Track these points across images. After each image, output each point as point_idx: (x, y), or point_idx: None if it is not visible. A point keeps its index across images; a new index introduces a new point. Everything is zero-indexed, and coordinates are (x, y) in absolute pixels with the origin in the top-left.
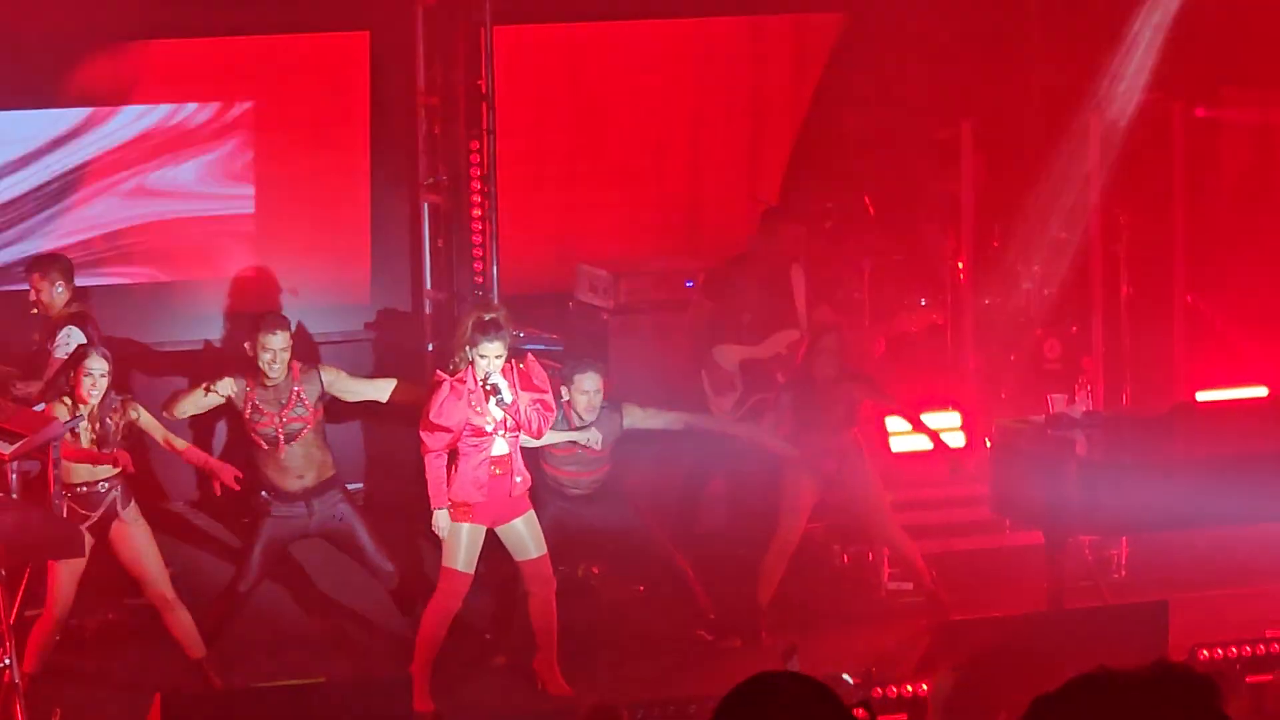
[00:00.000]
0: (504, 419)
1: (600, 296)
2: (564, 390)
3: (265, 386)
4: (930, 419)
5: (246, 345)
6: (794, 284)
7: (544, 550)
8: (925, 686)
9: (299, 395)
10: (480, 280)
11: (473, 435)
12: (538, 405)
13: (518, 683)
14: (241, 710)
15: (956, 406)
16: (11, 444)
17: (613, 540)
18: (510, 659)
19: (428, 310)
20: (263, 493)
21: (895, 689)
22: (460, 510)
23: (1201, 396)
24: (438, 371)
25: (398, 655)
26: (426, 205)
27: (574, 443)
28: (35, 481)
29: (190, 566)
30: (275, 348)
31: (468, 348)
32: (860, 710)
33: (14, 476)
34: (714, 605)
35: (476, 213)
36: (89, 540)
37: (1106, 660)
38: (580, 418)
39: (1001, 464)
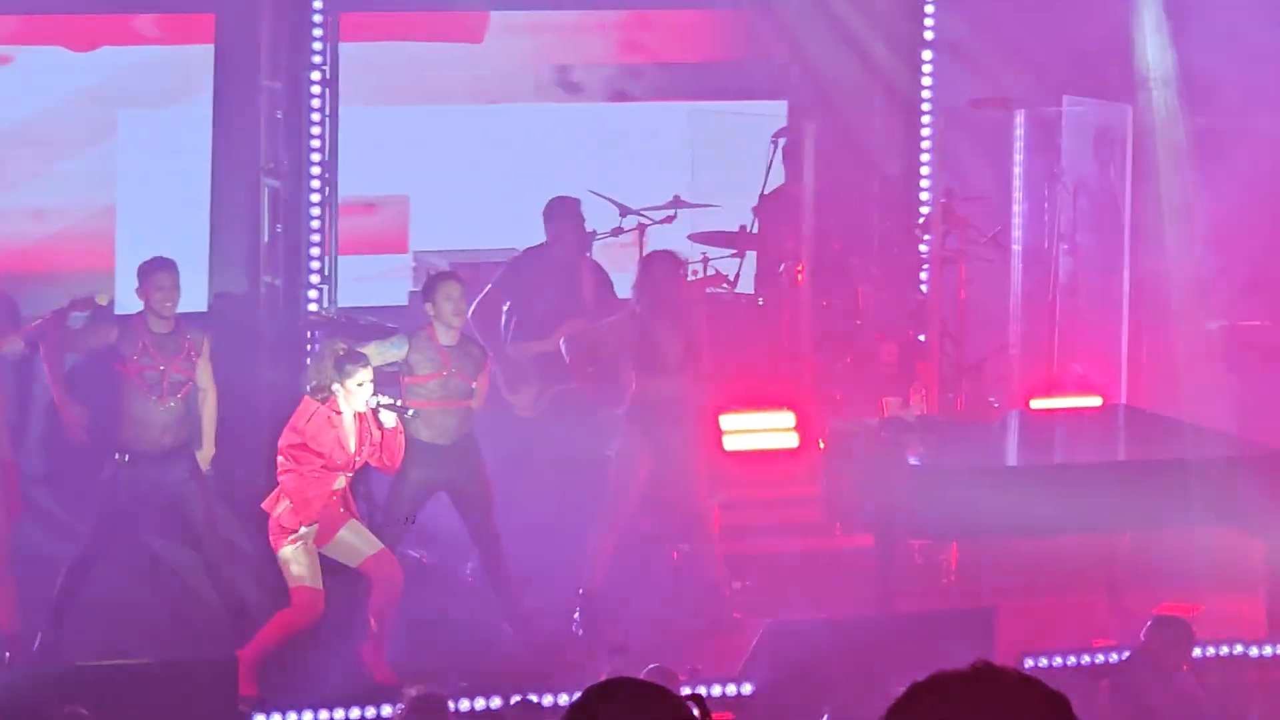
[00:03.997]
0: (357, 456)
1: None
2: (428, 307)
3: (156, 334)
4: (764, 419)
5: (136, 291)
6: (583, 275)
7: (378, 546)
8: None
9: (189, 352)
10: (318, 266)
11: (325, 466)
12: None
13: (343, 668)
14: (70, 688)
15: (791, 407)
16: None
17: (461, 511)
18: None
19: (264, 295)
20: (117, 454)
21: (721, 687)
22: (293, 533)
23: (1035, 405)
24: (306, 398)
25: (225, 639)
26: (267, 189)
27: (441, 368)
28: None
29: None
30: (166, 285)
31: (336, 383)
32: (693, 703)
33: None
34: (526, 598)
35: (316, 198)
36: None
37: (934, 665)
38: (449, 325)
39: (834, 466)
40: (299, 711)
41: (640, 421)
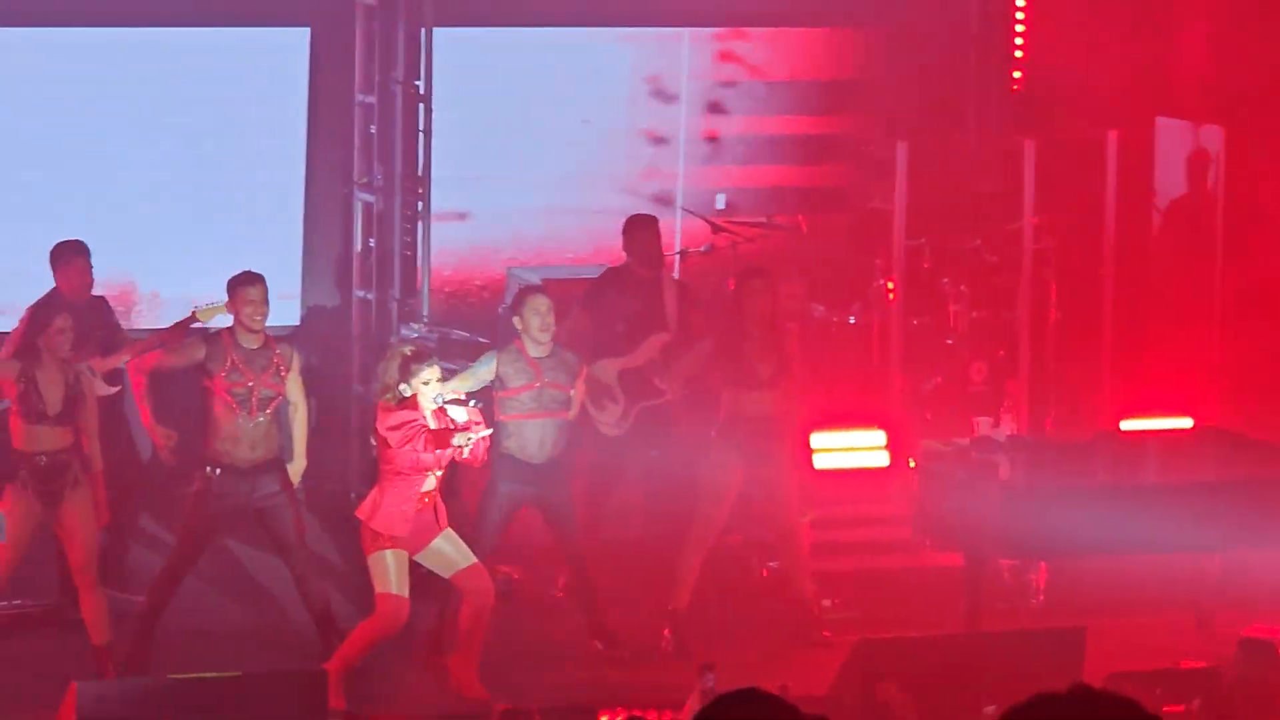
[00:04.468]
0: (442, 457)
1: None
2: (516, 320)
3: (245, 348)
4: (854, 437)
5: (225, 305)
6: (664, 291)
7: (472, 559)
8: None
9: (277, 367)
10: (411, 281)
11: (412, 470)
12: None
13: (432, 684)
14: (155, 702)
15: (881, 426)
16: None
17: (551, 529)
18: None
19: (356, 309)
20: (208, 468)
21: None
22: (385, 540)
23: (1125, 425)
24: (380, 404)
25: (313, 653)
26: (360, 204)
27: (534, 379)
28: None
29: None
30: (256, 298)
31: (403, 385)
32: None
33: None
34: (613, 614)
35: (409, 213)
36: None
37: (1023, 684)
38: (537, 341)
39: (924, 485)
40: None
41: (731, 439)
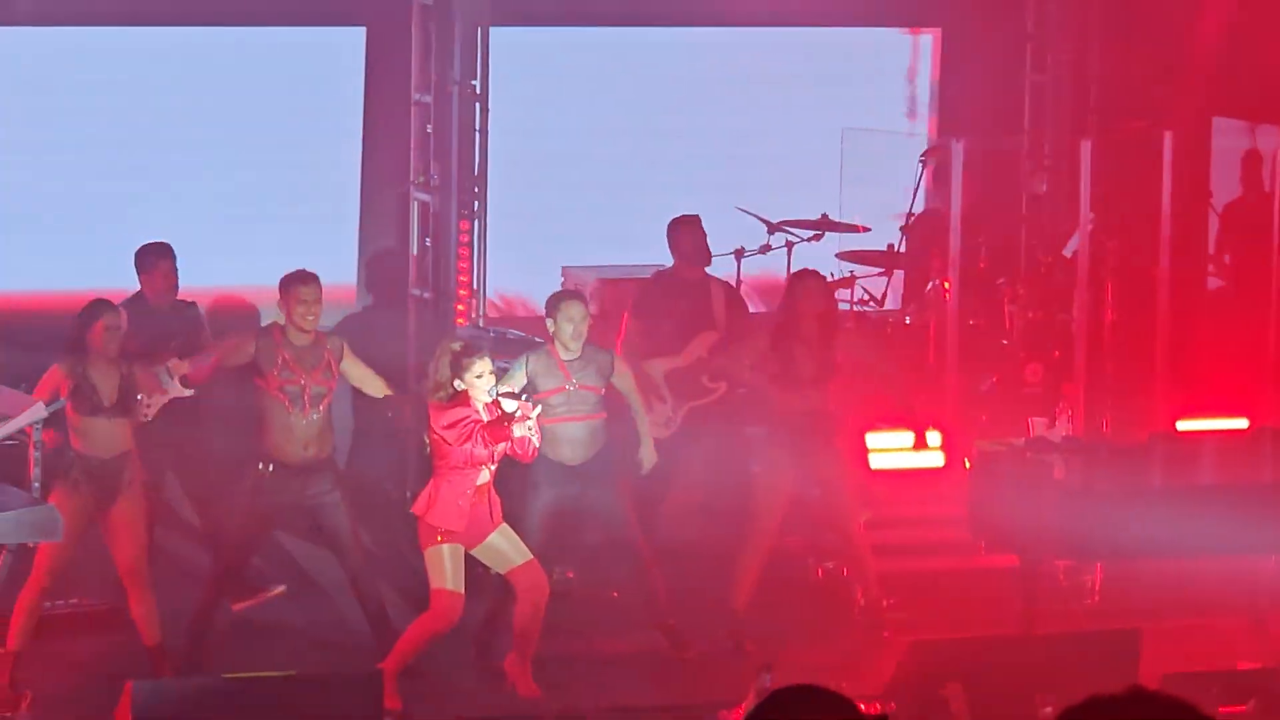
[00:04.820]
0: (495, 451)
1: None
2: (549, 323)
3: (296, 346)
4: (910, 438)
5: (277, 303)
6: (711, 291)
7: (528, 556)
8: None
9: (328, 362)
10: (467, 280)
11: (466, 465)
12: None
13: (486, 683)
14: (210, 701)
15: (937, 426)
16: None
17: (597, 531)
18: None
19: (413, 308)
20: (260, 464)
21: (865, 706)
22: (441, 535)
23: (1181, 426)
24: (431, 402)
25: (367, 651)
26: (416, 203)
27: (563, 382)
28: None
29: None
30: (309, 298)
31: (456, 381)
32: None
33: None
34: (674, 613)
35: (465, 212)
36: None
37: (1078, 686)
38: (567, 347)
39: (979, 486)
40: None
41: (783, 441)
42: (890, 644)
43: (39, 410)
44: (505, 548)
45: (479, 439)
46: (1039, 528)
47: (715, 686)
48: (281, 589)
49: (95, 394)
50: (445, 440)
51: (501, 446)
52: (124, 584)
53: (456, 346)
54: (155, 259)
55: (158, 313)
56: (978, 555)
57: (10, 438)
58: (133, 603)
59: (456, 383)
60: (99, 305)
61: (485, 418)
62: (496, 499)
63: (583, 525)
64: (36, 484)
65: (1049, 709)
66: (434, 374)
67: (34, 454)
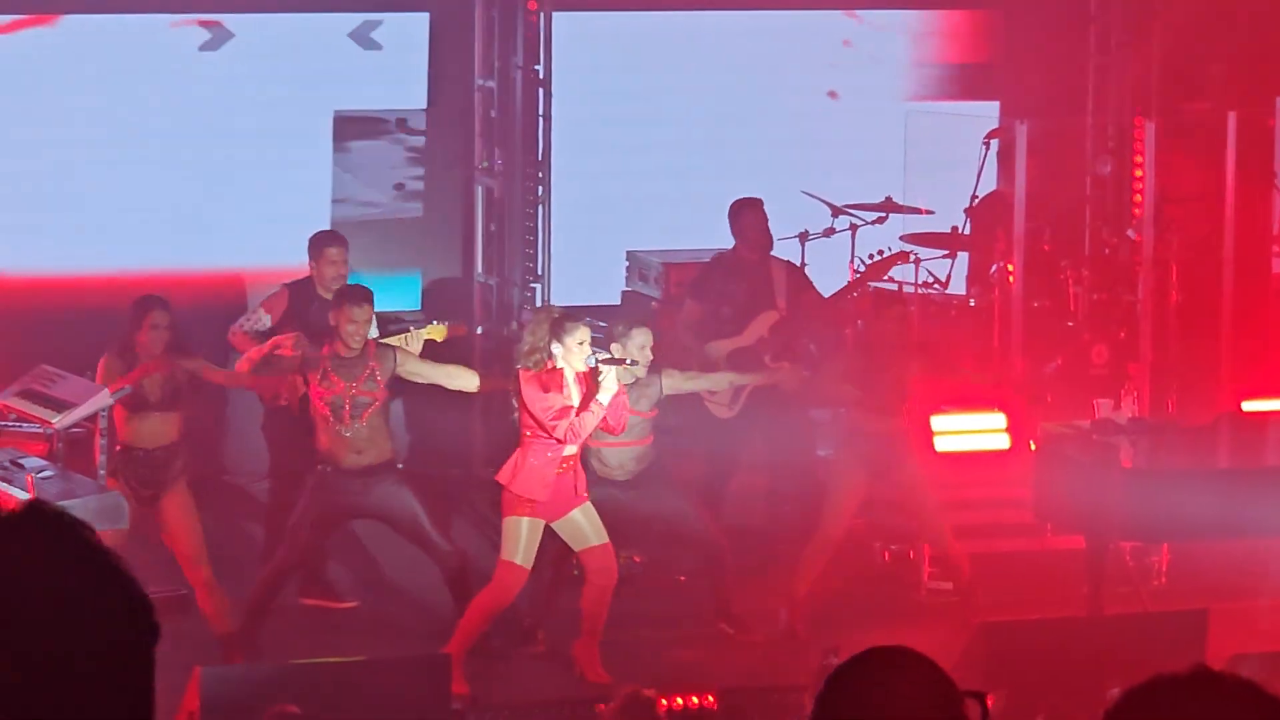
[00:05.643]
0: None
1: (649, 285)
2: (614, 348)
3: (341, 356)
4: (975, 420)
5: (330, 315)
6: (774, 273)
7: (605, 539)
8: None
9: (372, 371)
10: (532, 265)
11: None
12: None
13: (555, 667)
14: (278, 686)
15: (1002, 408)
16: (60, 413)
17: (659, 527)
18: (549, 644)
19: (477, 294)
20: (320, 465)
21: None
22: (523, 505)
23: (1247, 407)
24: (522, 370)
25: (430, 636)
26: (481, 189)
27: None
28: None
29: (240, 537)
30: (360, 319)
31: (555, 345)
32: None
33: (59, 445)
34: (738, 598)
35: (530, 197)
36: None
37: (1145, 667)
38: (633, 374)
39: (1045, 468)
40: (511, 709)
41: (854, 451)
42: (956, 626)
43: (104, 398)
44: (585, 526)
45: (563, 431)
46: (1105, 509)
47: (778, 669)
48: (354, 604)
49: (141, 389)
50: (530, 410)
51: (592, 420)
52: (189, 581)
53: (556, 313)
54: (322, 245)
55: (319, 300)
56: (1044, 537)
57: (76, 425)
58: (200, 598)
59: (555, 346)
60: (148, 301)
61: (576, 391)
62: (582, 474)
63: (648, 526)
64: (102, 471)
65: (1115, 690)
66: (530, 338)
67: (99, 441)
